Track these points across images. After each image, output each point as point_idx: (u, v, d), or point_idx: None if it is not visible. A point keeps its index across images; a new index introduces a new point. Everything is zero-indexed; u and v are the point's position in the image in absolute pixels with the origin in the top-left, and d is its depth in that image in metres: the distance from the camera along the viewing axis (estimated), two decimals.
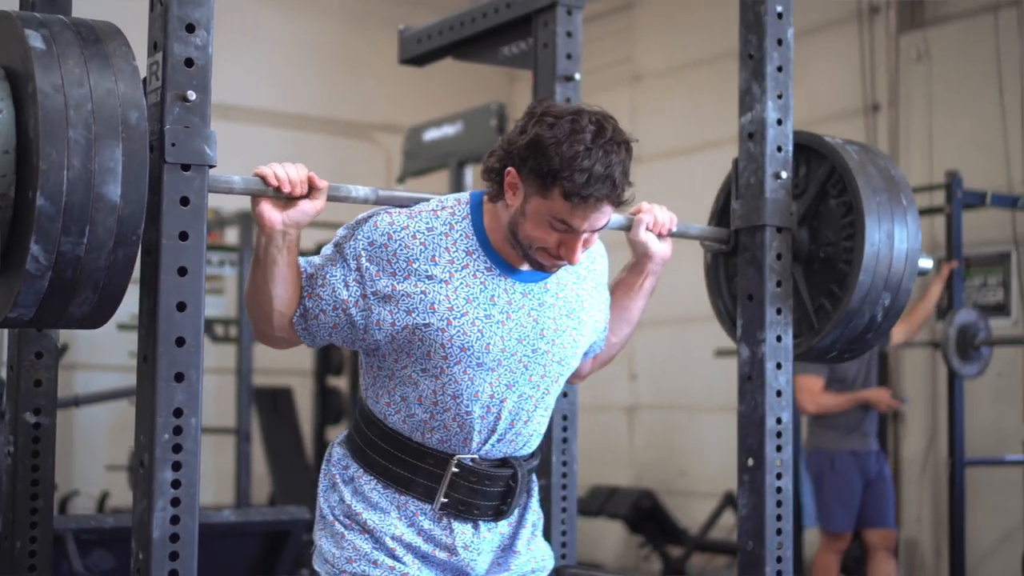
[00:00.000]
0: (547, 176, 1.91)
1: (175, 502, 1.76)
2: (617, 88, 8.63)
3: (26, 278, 1.67)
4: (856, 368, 5.54)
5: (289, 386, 7.84)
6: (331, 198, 2.00)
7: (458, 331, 1.99)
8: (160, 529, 1.75)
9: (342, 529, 2.06)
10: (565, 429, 2.76)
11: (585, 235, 1.96)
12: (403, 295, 1.98)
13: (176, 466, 1.76)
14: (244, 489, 6.72)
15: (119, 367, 7.51)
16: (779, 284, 2.30)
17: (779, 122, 2.34)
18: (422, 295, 1.98)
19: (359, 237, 2.01)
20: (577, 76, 2.76)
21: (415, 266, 1.98)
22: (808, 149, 2.43)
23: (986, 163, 6.57)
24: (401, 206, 2.05)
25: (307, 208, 1.95)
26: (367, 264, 1.98)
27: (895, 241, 2.30)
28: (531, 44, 2.81)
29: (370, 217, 2.03)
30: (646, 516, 7.18)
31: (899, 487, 6.91)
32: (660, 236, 2.26)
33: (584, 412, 9.20)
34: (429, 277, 1.98)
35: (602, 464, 8.38)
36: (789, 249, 2.31)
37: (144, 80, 1.86)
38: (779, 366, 2.29)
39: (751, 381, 2.31)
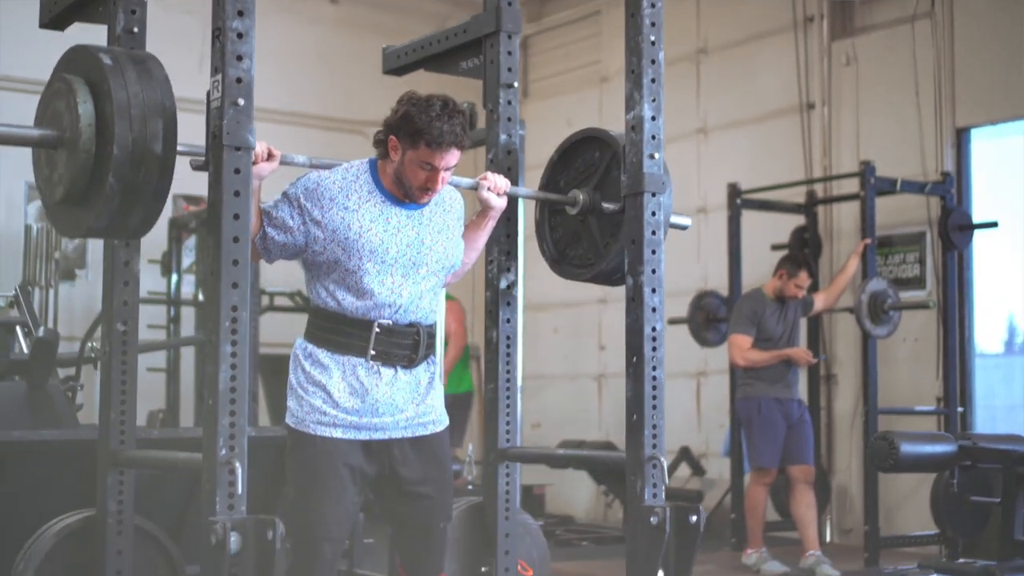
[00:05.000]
0: (414, 135, 3.02)
1: (233, 367, 2.69)
2: (587, 88, 9.55)
3: (105, 199, 2.67)
4: (781, 329, 6.45)
5: (289, 355, 8.70)
6: (283, 162, 3.04)
7: (367, 240, 3.07)
8: (224, 384, 2.68)
9: (302, 392, 3.14)
10: (508, 346, 3.66)
11: (442, 171, 3.05)
12: (329, 220, 3.07)
13: (233, 343, 2.70)
14: None
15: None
16: (654, 232, 3.22)
17: (653, 119, 3.24)
18: (341, 219, 3.07)
19: (298, 186, 3.13)
20: (515, 84, 3.68)
21: (336, 200, 3.08)
22: (600, 140, 3.54)
23: (904, 154, 7.48)
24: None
25: (265, 167, 3.01)
26: (305, 202, 3.09)
27: None
28: (481, 60, 3.74)
29: (306, 175, 3.15)
30: (608, 467, 8.04)
31: (831, 440, 7.83)
32: (497, 195, 3.37)
33: (557, 380, 10.20)
34: (345, 208, 3.09)
35: (573, 426, 9.27)
36: (660, 207, 3.24)
37: (208, 92, 2.80)
38: (653, 290, 3.21)
39: (634, 302, 3.23)
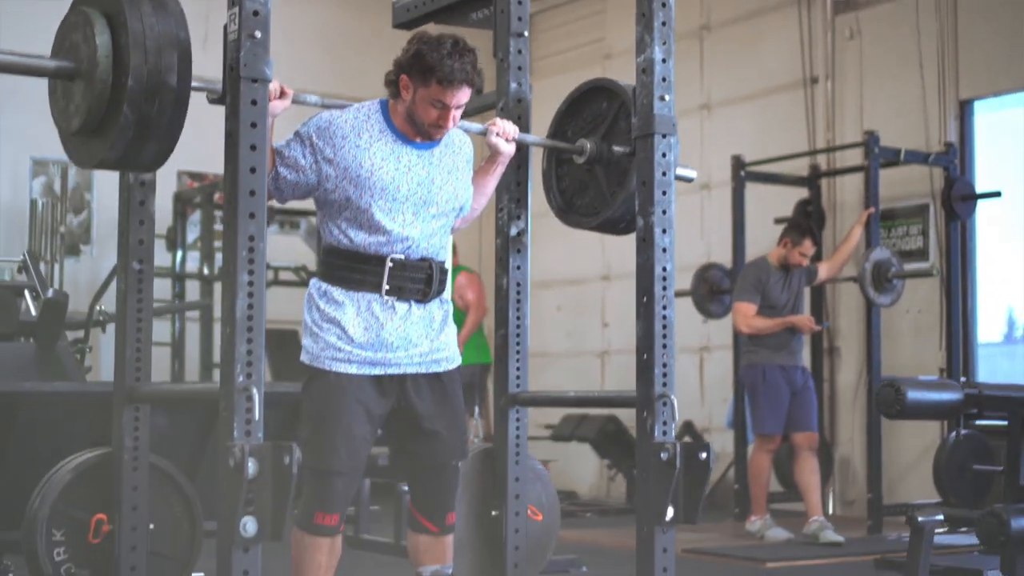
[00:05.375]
0: (426, 72, 3.04)
1: (250, 295, 2.72)
2: (590, 65, 9.56)
3: (120, 129, 2.68)
4: (786, 297, 6.48)
5: (295, 330, 8.78)
6: (295, 101, 3.07)
7: (378, 178, 3.11)
8: (241, 312, 2.71)
9: (317, 330, 3.14)
10: (519, 292, 3.69)
11: (454, 109, 3.08)
12: (341, 158, 3.10)
13: (250, 272, 2.73)
14: None
15: None
16: (664, 173, 3.25)
17: (664, 61, 3.26)
18: (353, 157, 3.10)
19: (310, 125, 3.14)
20: (526, 33, 3.71)
21: (348, 139, 3.11)
22: (608, 90, 3.57)
23: (908, 127, 7.51)
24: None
25: (277, 104, 3.00)
26: (317, 140, 3.11)
27: None
28: (492, 10, 3.76)
29: (318, 115, 3.17)
30: (612, 439, 8.09)
31: (834, 412, 7.87)
32: (506, 140, 3.41)
33: (560, 358, 10.19)
34: (357, 146, 3.11)
35: (578, 406, 9.32)
36: (670, 148, 3.26)
37: (225, 25, 2.82)
38: (664, 231, 3.24)
39: (645, 242, 3.25)
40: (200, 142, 7.82)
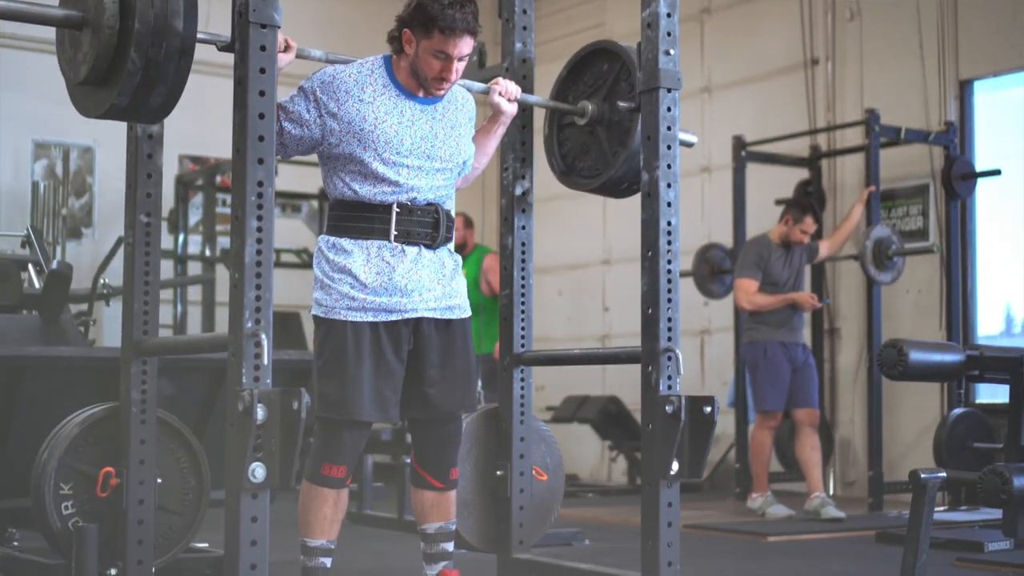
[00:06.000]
0: (428, 23, 3.06)
1: (259, 241, 2.73)
2: None
3: (127, 75, 2.67)
4: (787, 275, 6.49)
5: (298, 312, 8.80)
6: (299, 55, 3.12)
7: (382, 131, 3.13)
8: (250, 257, 2.72)
9: (329, 282, 3.16)
10: (523, 252, 3.71)
11: (456, 61, 3.10)
12: (345, 111, 3.12)
13: (259, 218, 2.74)
14: None
15: None
16: (669, 128, 3.26)
17: (668, 15, 3.27)
18: (357, 111, 3.12)
19: (314, 80, 3.18)
20: None
21: (351, 93, 3.14)
22: (609, 52, 3.64)
23: (908, 107, 7.52)
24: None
25: (283, 58, 3.05)
26: (321, 95, 3.14)
27: None
28: None
29: (322, 70, 3.21)
30: (613, 421, 8.09)
31: (834, 393, 7.87)
32: (508, 100, 3.45)
33: (561, 343, 10.17)
34: (360, 100, 3.14)
35: (578, 389, 9.33)
36: (675, 103, 3.28)
37: None
38: (669, 185, 3.25)
39: (650, 197, 3.26)
40: (200, 125, 7.86)
